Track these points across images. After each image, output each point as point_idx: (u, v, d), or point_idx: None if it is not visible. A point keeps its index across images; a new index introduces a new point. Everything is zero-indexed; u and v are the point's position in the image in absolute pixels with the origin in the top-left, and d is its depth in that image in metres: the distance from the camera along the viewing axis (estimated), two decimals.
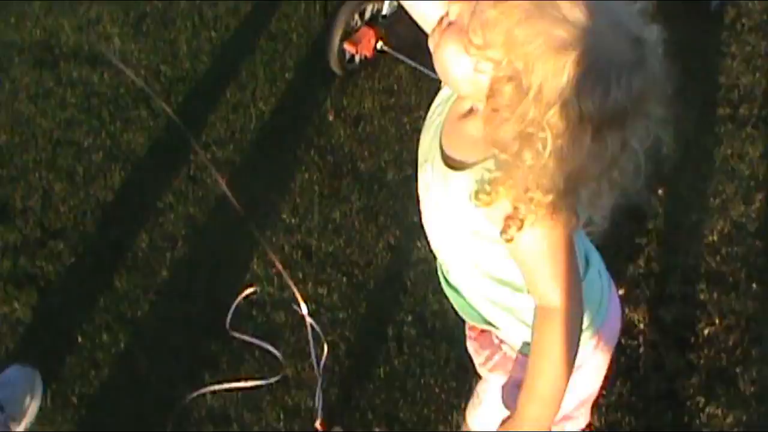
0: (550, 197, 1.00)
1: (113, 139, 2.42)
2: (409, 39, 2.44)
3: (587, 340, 1.26)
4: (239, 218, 1.82)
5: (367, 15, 2.50)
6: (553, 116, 0.95)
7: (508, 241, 1.04)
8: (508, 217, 1.03)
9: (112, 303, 2.08)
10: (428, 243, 1.29)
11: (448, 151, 1.17)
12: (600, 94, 0.94)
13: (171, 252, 2.17)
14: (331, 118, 2.45)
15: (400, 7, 2.39)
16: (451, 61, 1.04)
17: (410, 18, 1.26)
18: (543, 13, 0.94)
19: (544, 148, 0.96)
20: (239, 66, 2.60)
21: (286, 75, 2.58)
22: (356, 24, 2.49)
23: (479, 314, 1.30)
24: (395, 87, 2.52)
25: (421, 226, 1.28)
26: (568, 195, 1.01)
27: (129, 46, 2.65)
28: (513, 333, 1.29)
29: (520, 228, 1.03)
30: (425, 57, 2.21)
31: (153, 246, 2.19)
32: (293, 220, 2.23)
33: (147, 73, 2.58)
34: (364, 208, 2.25)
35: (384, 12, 2.49)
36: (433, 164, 1.20)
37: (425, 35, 1.13)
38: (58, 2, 2.82)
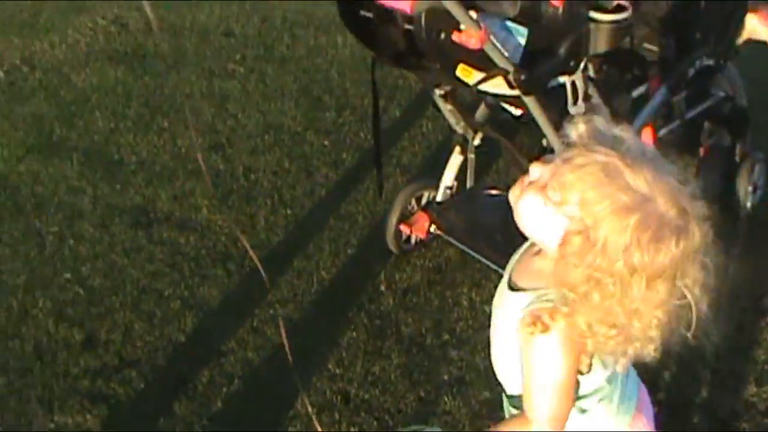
0: (614, 332, 1.24)
1: (191, 290, 2.83)
2: (459, 224, 2.87)
3: None
4: (290, 365, 2.15)
5: (423, 201, 2.95)
6: (618, 266, 1.18)
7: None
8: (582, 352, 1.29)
9: (169, 425, 2.42)
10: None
11: (515, 280, 1.39)
12: (653, 250, 1.18)
13: (227, 387, 2.51)
14: (383, 288, 2.83)
15: (452, 195, 2.85)
16: (531, 212, 1.26)
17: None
18: (611, 180, 1.18)
19: (609, 291, 1.20)
20: (308, 240, 3.03)
21: (349, 251, 2.98)
22: (413, 208, 2.93)
23: None
24: (443, 265, 2.90)
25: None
26: (625, 329, 1.24)
27: (214, 215, 3.14)
28: None
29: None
30: (474, 240, 2.60)
31: (212, 381, 2.53)
32: (337, 371, 2.54)
33: (227, 239, 3.05)
34: (401, 365, 2.56)
35: (438, 199, 2.93)
36: (501, 293, 1.42)
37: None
38: (157, 175, 3.39)
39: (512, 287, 1.38)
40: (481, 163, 2.93)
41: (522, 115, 2.54)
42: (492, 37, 2.00)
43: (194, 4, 4.77)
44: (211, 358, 2.60)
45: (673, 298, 1.24)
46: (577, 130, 1.25)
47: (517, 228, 1.31)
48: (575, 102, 2.30)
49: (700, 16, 2.65)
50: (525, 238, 1.37)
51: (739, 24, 2.75)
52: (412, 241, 2.95)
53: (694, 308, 1.24)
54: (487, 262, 2.71)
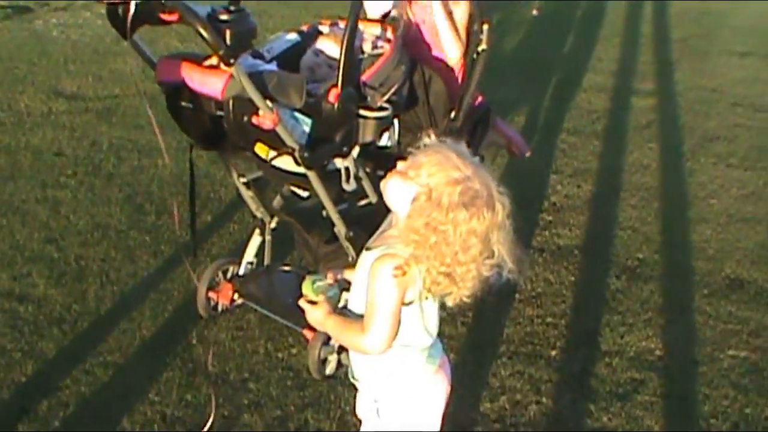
0: (443, 269, 1.92)
1: (30, 345, 3.45)
2: (258, 293, 3.61)
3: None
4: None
5: (229, 274, 3.69)
6: (448, 217, 1.88)
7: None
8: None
9: None
10: None
11: (369, 245, 2.07)
12: (468, 213, 1.88)
13: (64, 413, 3.12)
14: (194, 341, 3.49)
15: (253, 269, 3.61)
16: (394, 188, 1.96)
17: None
18: (448, 162, 1.91)
19: (441, 236, 1.90)
20: (132, 307, 3.65)
21: (166, 314, 3.60)
22: (220, 280, 3.66)
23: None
24: (245, 325, 3.56)
25: None
26: (450, 272, 1.92)
27: (50, 291, 3.78)
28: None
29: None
30: (270, 305, 3.32)
31: (51, 409, 3.13)
32: (156, 398, 3.22)
33: (61, 308, 3.68)
34: (208, 395, 3.24)
35: (240, 272, 3.68)
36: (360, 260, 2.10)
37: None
38: None
39: (367, 248, 2.07)
40: (276, 243, 3.72)
41: (308, 196, 3.40)
42: (282, 122, 2.85)
43: (28, 128, 5.45)
44: (50, 393, 3.20)
45: (483, 257, 1.95)
46: (427, 139, 2.04)
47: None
48: (347, 180, 3.17)
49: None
50: None
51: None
52: (219, 307, 3.67)
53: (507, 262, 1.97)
54: (282, 321, 3.48)
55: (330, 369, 3.29)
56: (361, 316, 2.06)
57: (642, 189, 4.96)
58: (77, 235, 4.25)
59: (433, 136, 2.06)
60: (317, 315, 2.07)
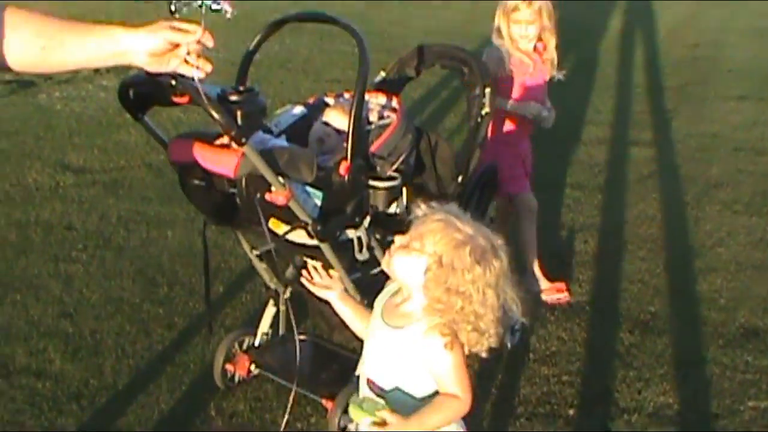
0: (470, 327, 2.03)
1: (50, 422, 3.46)
2: (274, 363, 3.63)
3: None
4: None
5: (244, 345, 3.71)
6: (465, 278, 1.99)
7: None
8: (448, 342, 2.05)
9: None
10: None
11: (389, 321, 2.16)
12: (482, 269, 2.00)
13: None
14: (213, 413, 3.52)
15: (268, 339, 3.63)
16: (401, 264, 2.08)
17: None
18: (449, 227, 2.02)
19: (463, 296, 2.01)
20: (148, 382, 3.68)
21: (183, 387, 3.62)
22: (236, 351, 3.68)
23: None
24: (262, 395, 3.58)
25: None
26: (477, 325, 2.04)
27: (66, 366, 3.80)
28: None
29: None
30: (287, 375, 3.35)
31: None
32: None
33: (79, 383, 3.69)
34: None
35: (256, 343, 3.70)
36: (379, 333, 2.19)
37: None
38: (14, 337, 4.00)
39: (392, 326, 2.16)
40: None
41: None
42: (295, 197, 2.89)
43: (38, 203, 5.49)
44: None
45: (499, 304, 2.06)
46: (419, 210, 2.13)
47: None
48: (360, 250, 3.20)
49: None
50: None
51: None
52: (236, 378, 3.68)
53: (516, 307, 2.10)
54: (300, 390, 3.49)
55: None
56: (397, 389, 2.16)
57: (649, 241, 5.00)
58: (91, 309, 4.27)
59: (423, 206, 2.17)
60: (394, 427, 2.10)
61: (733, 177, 5.92)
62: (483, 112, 3.59)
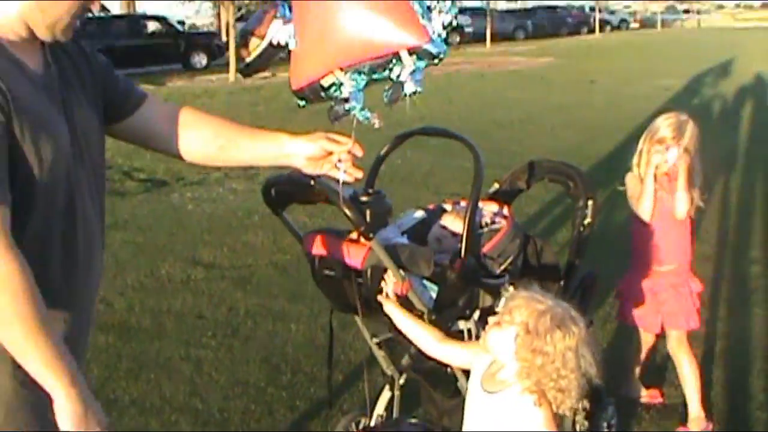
0: (552, 383, 2.38)
1: None
2: None
3: None
4: None
5: (361, 425, 4.09)
6: (548, 340, 2.37)
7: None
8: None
9: None
10: None
11: (488, 389, 2.56)
12: (562, 333, 2.37)
13: None
14: None
15: (383, 422, 4.00)
16: (495, 336, 2.48)
17: None
18: (534, 301, 2.44)
19: (546, 357, 2.38)
20: None
21: None
22: (352, 430, 4.06)
23: None
24: None
25: None
26: (560, 386, 2.40)
27: None
28: None
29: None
30: None
31: None
32: None
33: None
34: None
35: (371, 424, 4.07)
36: (478, 398, 2.60)
37: None
38: (147, 411, 4.47)
39: (490, 392, 2.55)
40: (404, 398, 4.12)
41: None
42: (413, 288, 3.30)
43: (170, 293, 6.07)
44: None
45: (578, 366, 2.42)
46: (507, 292, 2.67)
47: None
48: (470, 340, 3.57)
49: None
50: None
51: None
52: None
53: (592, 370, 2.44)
54: None
55: None
56: None
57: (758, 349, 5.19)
58: (219, 390, 4.72)
59: (511, 288, 2.70)
60: None
61: None
62: (585, 222, 3.96)
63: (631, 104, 16.35)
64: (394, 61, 2.44)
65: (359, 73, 2.46)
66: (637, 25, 65.66)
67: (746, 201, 8.89)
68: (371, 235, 3.18)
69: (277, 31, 2.66)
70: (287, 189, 3.46)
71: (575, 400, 2.45)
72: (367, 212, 3.17)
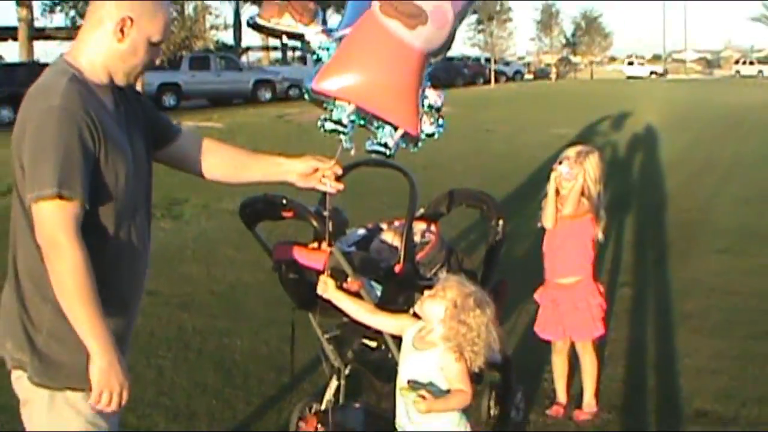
0: (470, 347, 3.27)
1: None
2: (337, 424, 4.87)
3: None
4: None
5: (313, 409, 4.95)
6: (470, 315, 3.29)
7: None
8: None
9: None
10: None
11: (418, 347, 3.41)
12: (480, 310, 3.29)
13: None
14: None
15: (332, 406, 4.90)
16: (429, 306, 3.35)
17: None
18: (461, 285, 3.36)
19: (469, 325, 3.28)
20: None
21: None
22: (307, 414, 4.93)
23: None
24: None
25: None
26: (476, 349, 3.30)
27: None
28: None
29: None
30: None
31: None
32: None
33: None
34: None
35: (322, 408, 4.94)
36: (409, 355, 3.43)
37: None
38: None
39: (420, 350, 3.38)
40: (349, 387, 5.01)
41: (375, 348, 4.73)
42: (364, 287, 4.23)
43: None
44: None
45: (488, 337, 3.31)
46: (442, 274, 3.61)
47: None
48: None
49: None
50: None
51: None
52: None
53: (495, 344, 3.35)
54: None
55: None
56: (429, 384, 3.36)
57: (628, 355, 6.26)
58: (182, 390, 5.54)
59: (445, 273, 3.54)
60: (429, 400, 3.30)
61: (703, 310, 7.22)
62: (497, 238, 4.97)
63: (527, 152, 17.66)
64: (387, 127, 3.50)
65: (362, 116, 3.46)
66: (531, 76, 68.36)
67: (637, 237, 10.11)
68: (333, 243, 4.11)
69: (313, 33, 3.53)
70: (260, 208, 4.37)
71: (482, 362, 3.34)
72: (330, 224, 4.10)
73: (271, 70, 39.14)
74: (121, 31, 2.84)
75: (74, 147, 2.65)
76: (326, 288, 3.77)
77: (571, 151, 5.07)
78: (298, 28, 3.61)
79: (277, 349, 6.21)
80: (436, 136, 3.66)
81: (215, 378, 5.75)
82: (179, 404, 5.33)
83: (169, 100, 30.84)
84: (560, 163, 5.01)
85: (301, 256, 4.35)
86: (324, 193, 4.51)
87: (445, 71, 50.26)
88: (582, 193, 4.96)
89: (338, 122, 3.45)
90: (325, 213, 4.15)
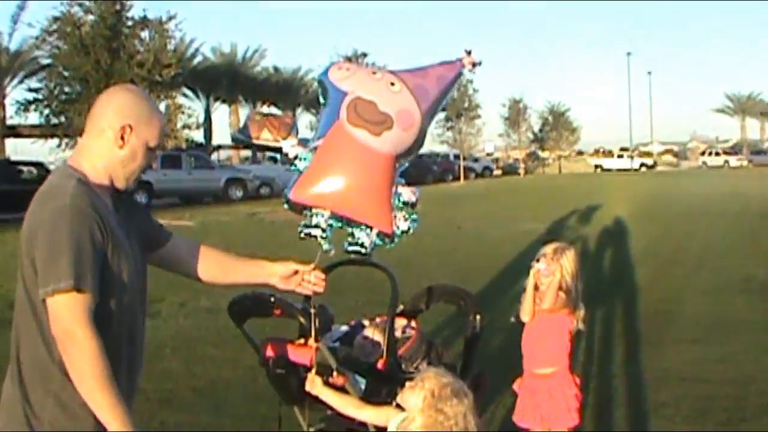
0: None
1: None
2: None
3: None
4: None
5: None
6: (447, 404, 3.38)
7: None
8: None
9: None
10: None
11: None
12: (457, 400, 3.38)
13: None
14: None
15: None
16: (408, 394, 3.44)
17: None
18: (439, 375, 3.47)
19: (447, 414, 3.38)
20: None
21: None
22: None
23: None
24: None
25: None
26: None
27: None
28: None
29: None
30: None
31: None
32: None
33: None
34: None
35: None
36: None
37: None
38: None
39: None
40: None
41: None
42: (349, 381, 4.41)
43: None
44: None
45: (466, 426, 3.43)
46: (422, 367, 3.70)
47: None
48: None
49: None
50: None
51: None
52: None
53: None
54: None
55: None
56: None
57: None
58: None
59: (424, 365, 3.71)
60: None
61: (677, 399, 7.41)
62: (475, 332, 5.19)
63: (496, 248, 17.96)
64: (363, 228, 3.82)
65: (339, 219, 3.74)
66: (500, 171, 69.38)
67: (609, 329, 10.35)
68: (320, 338, 4.31)
69: (289, 146, 3.95)
70: (248, 305, 4.59)
71: None
72: (316, 320, 4.31)
73: (242, 169, 39.64)
74: (122, 138, 3.11)
75: (86, 242, 2.87)
76: (314, 384, 3.93)
77: (548, 248, 5.31)
78: (277, 142, 3.96)
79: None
80: (410, 231, 3.94)
81: None
82: None
83: (140, 198, 31.00)
84: (538, 260, 5.24)
85: (289, 351, 4.54)
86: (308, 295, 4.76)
87: (414, 168, 50.59)
88: (560, 288, 5.18)
89: (317, 227, 3.76)
90: (312, 310, 4.37)
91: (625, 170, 70.29)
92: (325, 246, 3.79)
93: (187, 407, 7.28)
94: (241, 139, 4.17)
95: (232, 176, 35.86)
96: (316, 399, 4.35)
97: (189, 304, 11.55)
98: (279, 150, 4.05)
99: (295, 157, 3.87)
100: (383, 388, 4.61)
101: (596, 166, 79.15)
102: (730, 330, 10.11)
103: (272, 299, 4.36)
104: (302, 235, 3.83)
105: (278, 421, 4.85)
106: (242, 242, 17.51)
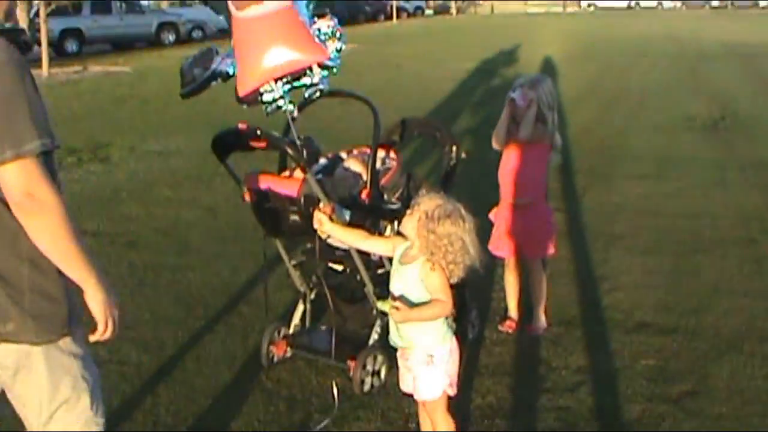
0: (449, 258, 3.50)
1: None
2: (303, 344, 5.16)
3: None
4: None
5: (281, 333, 5.23)
6: (443, 228, 3.49)
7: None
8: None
9: None
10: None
11: (404, 261, 3.68)
12: (450, 221, 3.51)
13: None
14: (264, 380, 5.05)
15: (300, 329, 5.19)
16: (406, 220, 3.64)
17: None
18: (433, 198, 3.57)
19: (442, 239, 3.52)
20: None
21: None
22: (276, 338, 5.21)
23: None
24: (296, 368, 5.17)
25: None
26: (455, 259, 3.54)
27: None
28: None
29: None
30: (313, 351, 4.97)
31: None
32: None
33: None
34: None
35: (290, 332, 5.23)
36: (397, 270, 3.69)
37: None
38: None
39: (404, 264, 3.68)
40: (315, 309, 5.30)
41: (342, 271, 5.02)
42: (335, 210, 4.50)
43: None
44: None
45: (461, 245, 3.54)
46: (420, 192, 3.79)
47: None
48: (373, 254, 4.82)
49: None
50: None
51: None
52: (275, 359, 5.20)
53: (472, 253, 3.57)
54: (322, 358, 5.01)
55: (367, 386, 4.81)
56: (414, 302, 3.66)
57: (567, 274, 6.69)
58: (146, 324, 5.74)
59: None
60: (402, 311, 3.63)
61: (633, 231, 7.71)
62: (452, 163, 5.29)
63: (437, 85, 18.06)
64: (307, 72, 4.20)
65: (285, 82, 4.13)
66: (431, 11, 68.45)
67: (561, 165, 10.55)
68: (308, 168, 4.37)
69: (219, 64, 4.38)
70: (230, 140, 4.59)
71: (460, 272, 3.58)
72: (304, 151, 4.36)
73: (173, 12, 38.38)
74: None
75: (35, 95, 2.62)
76: (322, 222, 4.03)
77: (525, 79, 5.38)
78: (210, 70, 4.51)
79: (230, 280, 6.47)
80: (342, 48, 4.38)
81: (176, 310, 5.96)
82: (146, 336, 5.54)
83: (71, 45, 30.05)
84: (514, 90, 5.30)
85: (275, 184, 4.59)
86: (287, 127, 4.79)
87: (346, 8, 49.98)
88: (537, 119, 5.26)
89: (274, 101, 4.20)
90: (299, 142, 4.41)
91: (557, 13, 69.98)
92: (290, 108, 4.23)
93: (152, 248, 7.35)
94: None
95: (164, 20, 34.76)
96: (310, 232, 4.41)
97: (138, 148, 11.48)
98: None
99: (227, 73, 4.37)
100: (367, 218, 4.71)
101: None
102: (678, 166, 10.42)
103: (258, 132, 4.37)
104: (268, 112, 4.27)
105: (263, 254, 4.94)
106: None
